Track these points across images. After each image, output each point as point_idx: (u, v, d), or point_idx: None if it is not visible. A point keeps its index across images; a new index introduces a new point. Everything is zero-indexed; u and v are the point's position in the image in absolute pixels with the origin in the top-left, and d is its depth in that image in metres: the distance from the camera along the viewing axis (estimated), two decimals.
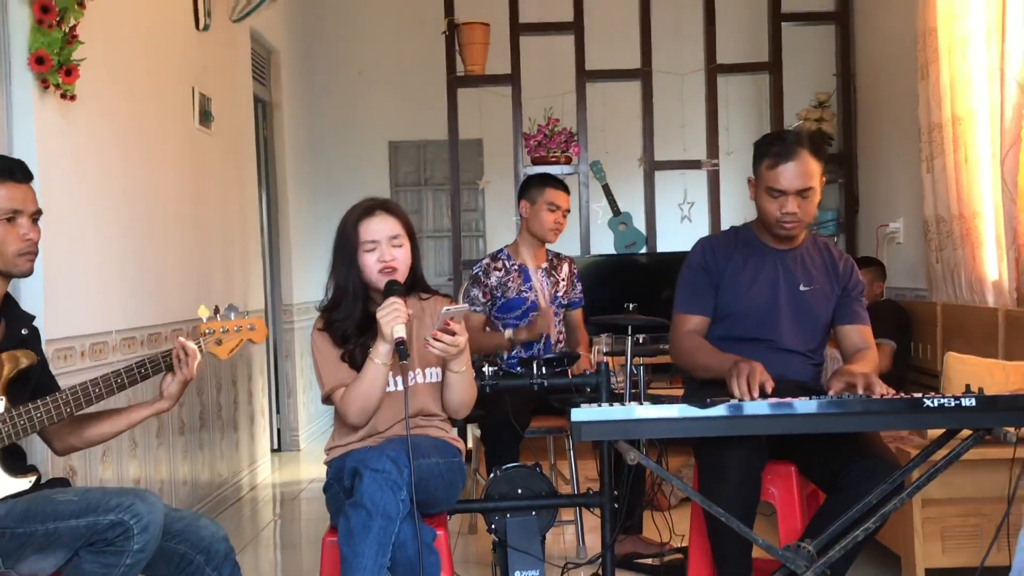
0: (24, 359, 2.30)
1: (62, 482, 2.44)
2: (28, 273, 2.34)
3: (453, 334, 2.51)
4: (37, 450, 2.83)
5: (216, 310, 2.50)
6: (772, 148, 2.81)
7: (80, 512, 2.14)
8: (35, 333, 2.44)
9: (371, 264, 2.63)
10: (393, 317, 2.49)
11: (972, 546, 3.09)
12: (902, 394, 2.38)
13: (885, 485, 2.47)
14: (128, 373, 2.36)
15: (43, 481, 2.33)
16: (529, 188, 4.07)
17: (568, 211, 4.06)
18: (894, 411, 2.30)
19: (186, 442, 4.40)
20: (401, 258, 2.65)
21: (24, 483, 2.25)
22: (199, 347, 2.45)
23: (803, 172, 2.77)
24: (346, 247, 2.67)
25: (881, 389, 2.48)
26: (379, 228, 2.64)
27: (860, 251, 5.74)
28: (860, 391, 2.47)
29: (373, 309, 2.58)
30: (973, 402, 2.27)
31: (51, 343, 3.20)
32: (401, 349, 2.47)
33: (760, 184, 2.86)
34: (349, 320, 2.66)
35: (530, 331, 3.79)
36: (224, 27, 5.12)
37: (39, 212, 2.35)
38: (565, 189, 4.07)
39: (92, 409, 2.38)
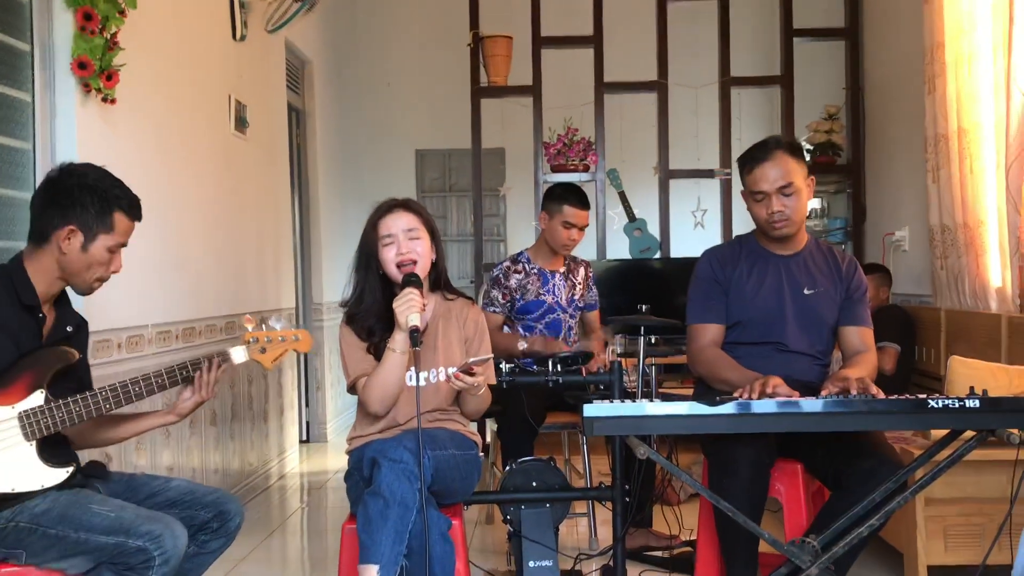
0: (67, 356, 2.27)
1: (99, 466, 2.40)
2: (87, 293, 2.37)
3: (473, 374, 2.50)
4: None
5: (262, 321, 2.46)
6: (749, 155, 2.83)
7: (112, 530, 2.11)
8: (81, 332, 2.42)
9: (389, 258, 2.61)
10: (409, 306, 2.46)
11: (974, 545, 3.01)
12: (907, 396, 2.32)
13: (889, 484, 2.40)
14: (169, 374, 2.31)
15: (81, 465, 2.29)
16: (550, 200, 3.89)
17: (585, 226, 3.88)
18: (900, 411, 2.24)
19: (218, 432, 4.37)
20: (420, 251, 2.62)
21: (62, 474, 2.21)
22: (245, 353, 2.40)
23: (781, 170, 2.76)
24: (365, 244, 2.65)
25: (877, 392, 2.41)
26: (395, 223, 2.62)
27: (866, 258, 5.65)
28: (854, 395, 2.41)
29: None
30: (977, 404, 2.21)
31: (90, 335, 3.17)
32: (414, 336, 2.43)
33: (747, 192, 2.85)
34: (372, 316, 2.64)
35: (543, 347, 3.70)
36: (260, 37, 5.11)
37: None
38: (584, 205, 3.84)
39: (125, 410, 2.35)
